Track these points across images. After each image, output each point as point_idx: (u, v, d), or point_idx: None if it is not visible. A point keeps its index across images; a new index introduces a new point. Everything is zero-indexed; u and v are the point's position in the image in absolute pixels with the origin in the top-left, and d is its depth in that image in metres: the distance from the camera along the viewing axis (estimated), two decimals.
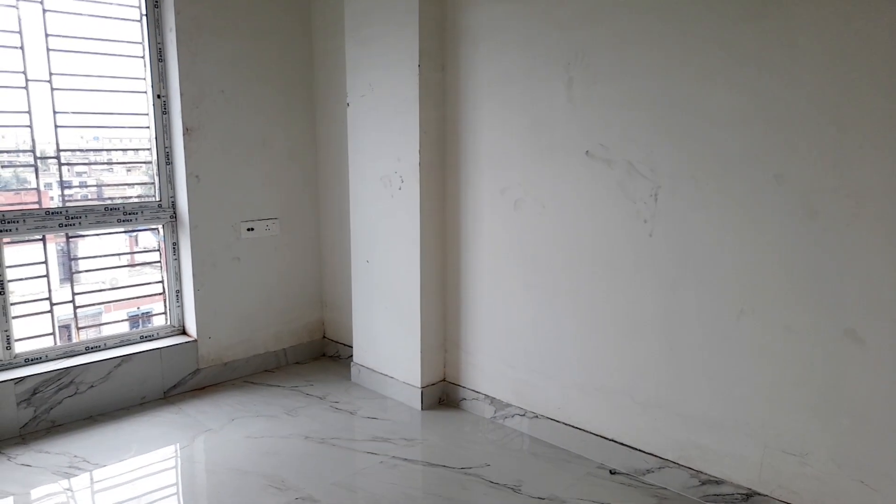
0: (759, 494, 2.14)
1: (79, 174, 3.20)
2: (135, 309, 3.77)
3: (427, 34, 2.85)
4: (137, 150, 3.28)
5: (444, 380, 3.18)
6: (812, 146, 1.92)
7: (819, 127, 1.90)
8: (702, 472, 2.27)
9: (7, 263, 2.84)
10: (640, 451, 2.43)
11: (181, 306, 3.43)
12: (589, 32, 2.39)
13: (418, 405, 3.08)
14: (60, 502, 2.31)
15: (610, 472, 2.48)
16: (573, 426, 2.64)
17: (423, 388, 3.08)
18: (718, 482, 2.23)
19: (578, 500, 2.29)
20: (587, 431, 2.60)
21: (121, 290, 3.37)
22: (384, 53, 2.98)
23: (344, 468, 2.55)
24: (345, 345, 3.75)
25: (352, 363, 3.47)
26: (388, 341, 3.22)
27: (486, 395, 2.98)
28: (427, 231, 3.00)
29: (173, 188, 3.33)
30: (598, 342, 2.52)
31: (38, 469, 2.52)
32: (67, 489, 2.40)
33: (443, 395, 3.16)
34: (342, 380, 3.48)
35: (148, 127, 3.25)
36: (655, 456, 2.39)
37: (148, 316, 3.45)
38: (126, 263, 3.43)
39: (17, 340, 2.91)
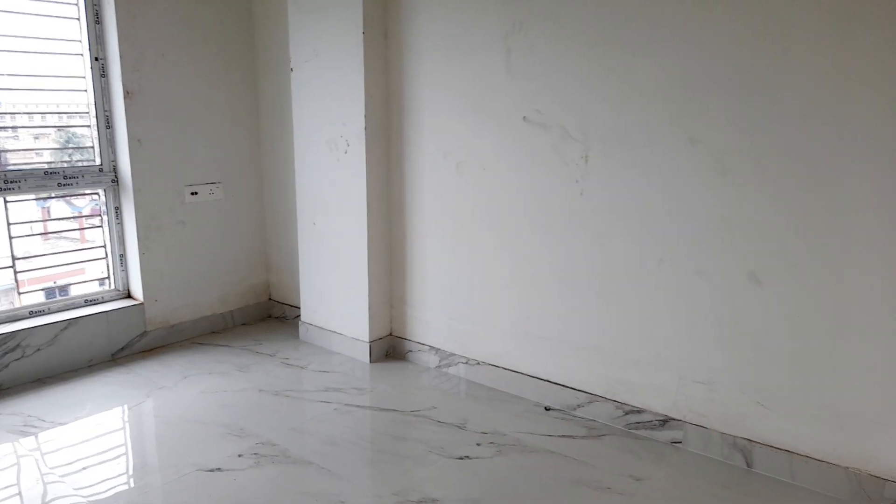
0: (674, 420, 2.44)
1: None
2: (51, 283, 3.69)
3: (371, 1, 2.95)
4: (74, 113, 3.23)
5: (390, 334, 3.35)
6: (722, 112, 2.18)
7: (728, 95, 2.16)
8: (626, 404, 2.56)
9: None
10: (571, 388, 2.70)
11: (125, 270, 3.44)
12: (526, 5, 2.56)
13: (367, 358, 3.25)
14: (15, 461, 2.36)
15: (545, 408, 2.74)
16: (512, 370, 2.88)
17: (371, 342, 3.25)
18: (640, 411, 2.52)
19: (517, 432, 2.54)
20: (524, 374, 2.84)
21: (56, 255, 3.33)
22: (328, 20, 3.06)
23: (299, 416, 2.70)
24: (291, 306, 3.86)
25: (300, 322, 3.59)
26: (336, 300, 3.36)
27: (431, 347, 3.18)
28: (373, 193, 3.14)
29: (114, 152, 3.31)
30: (534, 293, 2.75)
31: None
32: (25, 446, 2.44)
33: (390, 348, 3.34)
34: (290, 338, 3.60)
35: (85, 90, 3.21)
36: (585, 392, 2.66)
37: (65, 287, 3.39)
38: (64, 229, 3.40)
39: None
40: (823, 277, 2.07)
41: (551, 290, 2.70)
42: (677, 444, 2.43)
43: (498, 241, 2.83)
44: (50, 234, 3.32)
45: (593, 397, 2.64)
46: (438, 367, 3.16)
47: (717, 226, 2.25)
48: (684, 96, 2.25)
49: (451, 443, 2.46)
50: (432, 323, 3.17)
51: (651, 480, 2.22)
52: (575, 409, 2.69)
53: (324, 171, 3.27)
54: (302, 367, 3.20)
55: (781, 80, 2.05)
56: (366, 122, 3.04)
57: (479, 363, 2.99)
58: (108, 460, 2.37)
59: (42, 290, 3.39)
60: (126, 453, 2.44)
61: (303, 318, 3.58)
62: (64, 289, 3.49)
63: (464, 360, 3.05)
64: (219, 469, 2.28)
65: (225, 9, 3.52)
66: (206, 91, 3.50)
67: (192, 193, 3.53)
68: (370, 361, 3.25)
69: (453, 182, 2.94)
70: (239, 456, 2.37)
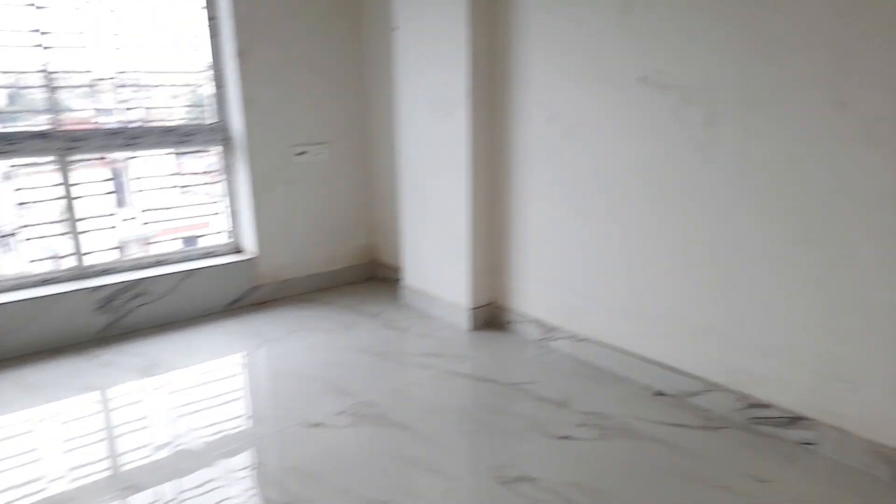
0: (805, 418, 2.19)
1: (123, 99, 3.26)
2: (185, 233, 3.90)
3: None
4: (192, 73, 3.33)
5: (492, 303, 3.27)
6: (878, 73, 1.86)
7: (885, 51, 1.84)
8: (749, 396, 2.33)
9: (73, 182, 2.98)
10: (686, 374, 2.50)
11: (239, 226, 3.56)
12: None
13: (467, 326, 3.19)
14: (138, 398, 2.52)
15: (656, 393, 2.57)
16: (620, 349, 2.72)
17: (471, 309, 3.18)
18: (765, 406, 2.29)
19: (624, 416, 2.39)
20: (634, 354, 2.67)
21: (182, 208, 3.50)
22: None
23: (399, 378, 2.69)
24: (394, 268, 3.86)
25: (402, 285, 3.59)
26: (438, 265, 3.31)
27: (534, 319, 3.07)
28: (475, 157, 3.03)
29: (227, 111, 3.39)
30: (648, 268, 2.56)
31: (119, 368, 2.74)
32: (148, 386, 2.60)
33: (491, 317, 3.27)
34: (392, 300, 3.61)
35: (202, 50, 3.30)
36: (702, 379, 2.46)
37: (195, 238, 3.56)
38: (187, 184, 3.56)
39: (85, 254, 3.08)
40: None
41: (668, 266, 2.49)
42: (809, 446, 2.19)
43: (609, 211, 2.65)
44: (180, 188, 3.49)
45: (711, 385, 2.43)
46: (541, 340, 3.05)
47: (867, 204, 1.95)
48: (831, 52, 1.93)
49: (552, 421, 2.36)
50: (536, 294, 3.05)
51: (776, 483, 2.01)
52: (690, 396, 2.50)
53: (426, 134, 3.19)
54: (403, 330, 3.20)
55: None
56: (469, 83, 2.91)
57: (584, 339, 2.85)
58: (218, 405, 2.48)
59: (175, 239, 3.61)
60: (236, 401, 2.54)
61: (405, 281, 3.57)
62: (193, 240, 3.68)
63: (568, 335, 2.92)
64: (320, 425, 2.32)
65: None
66: (314, 50, 3.50)
67: (300, 153, 3.57)
68: (471, 329, 3.19)
69: (562, 147, 2.77)
70: (339, 413, 2.39)
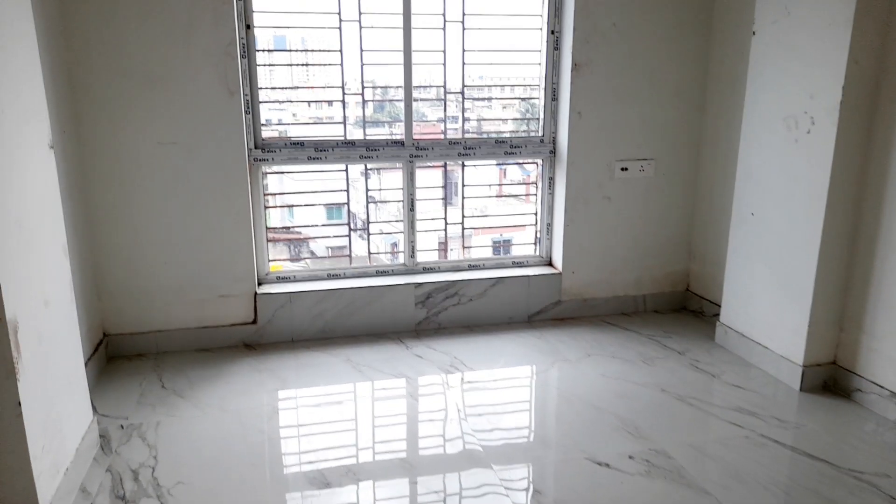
0: None
1: (462, 108, 3.49)
2: (498, 235, 4.08)
3: None
4: (526, 86, 3.44)
5: (833, 362, 2.67)
6: None
7: None
8: None
9: (414, 186, 3.32)
10: None
11: (550, 239, 3.57)
12: None
13: (796, 385, 2.66)
14: (437, 391, 2.68)
15: None
16: None
17: (805, 366, 2.64)
18: None
19: None
20: None
21: (497, 217, 3.67)
22: None
23: (701, 431, 2.37)
24: (710, 301, 3.45)
25: (717, 322, 3.17)
26: (767, 306, 2.83)
27: (892, 392, 2.41)
28: (838, 184, 2.49)
29: (555, 124, 3.42)
30: None
31: (426, 361, 2.96)
32: (448, 382, 2.76)
33: (830, 379, 2.67)
34: (704, 338, 3.22)
35: (539, 64, 3.37)
36: None
37: (508, 244, 3.68)
38: (506, 194, 3.72)
39: (415, 251, 3.41)
40: None
41: None
42: None
43: None
44: (500, 197, 3.69)
45: None
46: None
47: None
48: None
49: None
50: None
51: None
52: None
53: (775, 154, 2.74)
54: (713, 376, 2.82)
55: None
56: (843, 94, 2.40)
57: None
58: (505, 413, 2.50)
59: (489, 246, 3.83)
60: (522, 412, 2.54)
61: (722, 318, 3.15)
62: (506, 248, 3.86)
63: None
64: (607, 465, 2.15)
65: None
66: (653, 62, 3.30)
67: (622, 169, 3.42)
68: (800, 390, 2.65)
69: None
70: (630, 458, 2.19)
